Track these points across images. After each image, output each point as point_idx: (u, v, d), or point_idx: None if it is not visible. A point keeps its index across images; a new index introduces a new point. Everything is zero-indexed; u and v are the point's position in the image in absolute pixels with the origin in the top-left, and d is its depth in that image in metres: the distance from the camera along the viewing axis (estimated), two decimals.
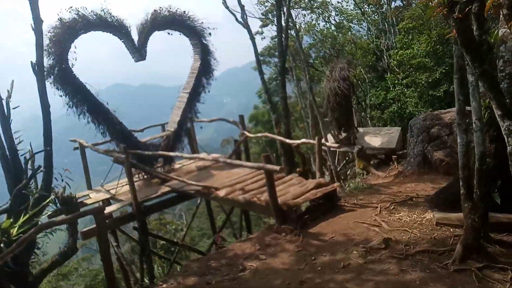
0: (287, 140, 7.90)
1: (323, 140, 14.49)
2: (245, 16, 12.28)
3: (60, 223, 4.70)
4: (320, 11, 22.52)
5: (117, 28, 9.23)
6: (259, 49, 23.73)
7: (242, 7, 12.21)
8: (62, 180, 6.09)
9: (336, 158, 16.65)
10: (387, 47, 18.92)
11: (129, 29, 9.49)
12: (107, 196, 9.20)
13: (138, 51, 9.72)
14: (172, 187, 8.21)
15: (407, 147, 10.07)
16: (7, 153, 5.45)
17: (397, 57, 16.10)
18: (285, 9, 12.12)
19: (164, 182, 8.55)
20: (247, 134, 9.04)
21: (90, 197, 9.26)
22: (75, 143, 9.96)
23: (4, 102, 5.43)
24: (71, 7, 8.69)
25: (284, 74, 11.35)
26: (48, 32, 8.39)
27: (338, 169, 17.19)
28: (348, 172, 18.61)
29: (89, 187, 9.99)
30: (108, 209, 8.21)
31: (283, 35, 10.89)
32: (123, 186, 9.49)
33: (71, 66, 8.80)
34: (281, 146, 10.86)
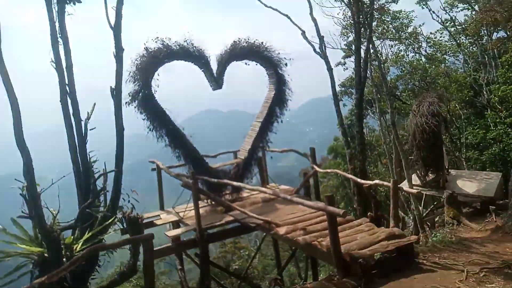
0: (359, 180, 7.20)
1: (404, 184, 13.22)
2: (323, 46, 12.02)
3: (111, 247, 4.71)
4: (409, 42, 21.28)
5: (198, 58, 9.63)
6: (342, 80, 23.21)
7: (321, 37, 11.99)
8: (129, 201, 6.28)
9: (423, 201, 15.02)
10: (486, 82, 16.94)
11: (208, 59, 9.84)
12: (176, 218, 9.34)
13: (216, 80, 10.00)
14: (235, 217, 8.02)
15: (509, 197, 8.55)
16: (81, 170, 5.81)
17: (499, 93, 14.22)
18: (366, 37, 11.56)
19: (228, 211, 8.39)
20: (316, 168, 8.53)
21: (160, 218, 9.50)
22: (154, 164, 10.43)
23: (83, 124, 5.83)
24: (157, 37, 9.32)
25: (361, 107, 10.68)
26: (135, 60, 9.07)
27: (424, 214, 15.45)
28: (436, 219, 16.61)
29: (162, 207, 10.30)
30: (173, 233, 8.31)
31: (362, 66, 10.29)
32: (191, 210, 9.59)
33: (153, 92, 9.34)
34: (354, 184, 10.04)
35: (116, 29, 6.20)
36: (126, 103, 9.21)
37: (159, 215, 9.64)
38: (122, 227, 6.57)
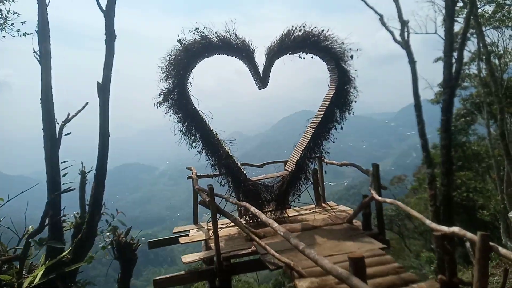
0: (427, 221, 4.73)
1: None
2: (406, 34, 9.34)
3: None
4: None
5: (239, 51, 8.16)
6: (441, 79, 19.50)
7: (403, 22, 9.33)
8: (110, 224, 5.13)
9: None
10: None
11: (253, 53, 8.30)
12: (204, 237, 8.02)
13: (261, 78, 8.44)
14: (256, 247, 6.33)
15: None
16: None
17: None
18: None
19: (252, 239, 6.72)
20: (375, 195, 6.26)
21: (188, 235, 8.29)
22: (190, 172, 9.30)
23: (57, 127, 4.83)
24: (197, 28, 8.09)
25: (449, 112, 7.94)
26: (169, 55, 8.00)
27: None
28: None
29: (196, 221, 9.12)
30: (188, 258, 6.96)
31: (455, 56, 7.59)
32: (223, 228, 8.22)
33: (188, 91, 8.19)
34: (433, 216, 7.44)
35: (108, 12, 5.07)
36: (158, 102, 8.26)
37: (189, 231, 8.45)
38: (113, 252, 5.46)
